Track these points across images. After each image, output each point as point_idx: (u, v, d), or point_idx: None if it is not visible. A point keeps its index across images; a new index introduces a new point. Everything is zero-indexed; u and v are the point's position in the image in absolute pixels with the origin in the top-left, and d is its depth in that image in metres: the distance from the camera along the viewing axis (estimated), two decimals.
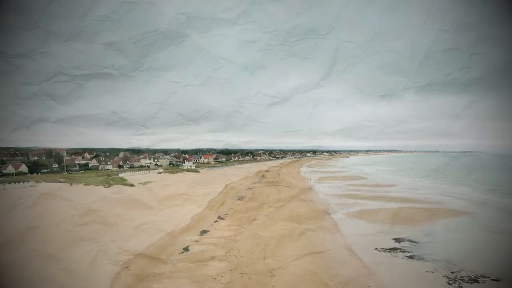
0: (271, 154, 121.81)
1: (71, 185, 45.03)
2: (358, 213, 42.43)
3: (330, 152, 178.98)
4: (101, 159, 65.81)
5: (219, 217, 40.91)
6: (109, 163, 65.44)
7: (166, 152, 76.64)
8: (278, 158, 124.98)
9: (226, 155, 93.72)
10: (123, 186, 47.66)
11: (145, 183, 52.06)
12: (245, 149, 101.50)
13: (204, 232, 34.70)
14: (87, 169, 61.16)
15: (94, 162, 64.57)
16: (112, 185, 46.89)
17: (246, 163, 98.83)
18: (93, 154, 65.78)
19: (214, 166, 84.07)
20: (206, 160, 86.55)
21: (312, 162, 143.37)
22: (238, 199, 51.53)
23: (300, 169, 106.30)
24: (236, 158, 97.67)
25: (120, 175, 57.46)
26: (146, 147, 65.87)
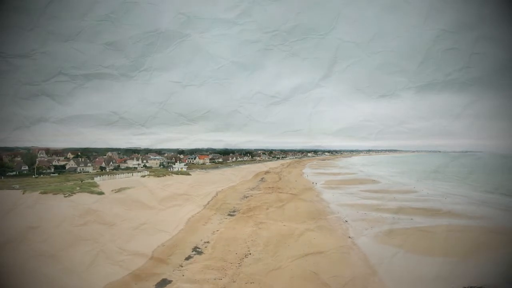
0: (271, 154, 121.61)
1: (23, 193, 38.86)
2: (389, 237, 32.99)
3: (331, 152, 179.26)
4: (80, 160, 58.09)
5: (195, 248, 30.26)
6: (89, 164, 57.96)
7: (159, 152, 72.12)
8: (279, 158, 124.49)
9: (224, 155, 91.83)
10: (88, 195, 41.03)
11: (119, 190, 44.75)
12: (245, 149, 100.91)
13: (162, 284, 23.26)
14: (62, 172, 54.20)
15: (72, 164, 56.70)
16: (75, 193, 40.51)
17: (245, 163, 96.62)
18: (75, 154, 58.91)
19: (209, 168, 78.40)
20: (201, 161, 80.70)
21: (314, 162, 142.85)
22: (228, 215, 42.71)
23: (303, 170, 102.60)
24: (234, 158, 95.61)
25: (96, 179, 50.03)
26: (146, 147, 65.37)
